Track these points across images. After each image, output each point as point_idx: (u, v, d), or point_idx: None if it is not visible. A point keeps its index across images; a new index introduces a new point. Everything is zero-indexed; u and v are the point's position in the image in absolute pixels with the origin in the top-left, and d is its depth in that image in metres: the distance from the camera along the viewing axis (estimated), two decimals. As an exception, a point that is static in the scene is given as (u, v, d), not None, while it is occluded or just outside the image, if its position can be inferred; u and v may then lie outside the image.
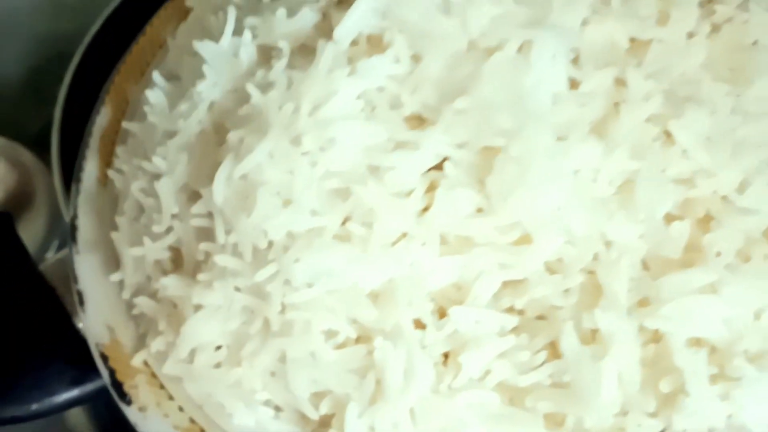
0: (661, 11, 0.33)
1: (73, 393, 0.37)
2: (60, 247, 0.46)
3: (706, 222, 0.31)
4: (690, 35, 0.34)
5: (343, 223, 0.30)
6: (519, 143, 0.30)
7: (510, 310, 0.31)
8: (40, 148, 0.54)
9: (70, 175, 0.48)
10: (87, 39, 0.54)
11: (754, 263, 0.30)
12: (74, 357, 0.37)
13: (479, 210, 0.31)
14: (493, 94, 0.30)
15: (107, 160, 0.37)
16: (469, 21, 0.31)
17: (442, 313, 0.31)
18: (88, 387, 0.37)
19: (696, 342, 0.29)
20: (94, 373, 0.36)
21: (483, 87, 0.30)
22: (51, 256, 0.50)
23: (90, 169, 0.37)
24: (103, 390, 0.37)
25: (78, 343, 0.37)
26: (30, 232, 0.51)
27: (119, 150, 0.36)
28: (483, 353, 0.29)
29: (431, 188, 0.30)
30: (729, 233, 0.30)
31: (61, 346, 0.37)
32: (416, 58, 0.32)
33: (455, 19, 0.31)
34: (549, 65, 0.31)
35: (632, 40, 0.33)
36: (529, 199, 0.30)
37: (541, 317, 0.31)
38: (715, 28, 0.34)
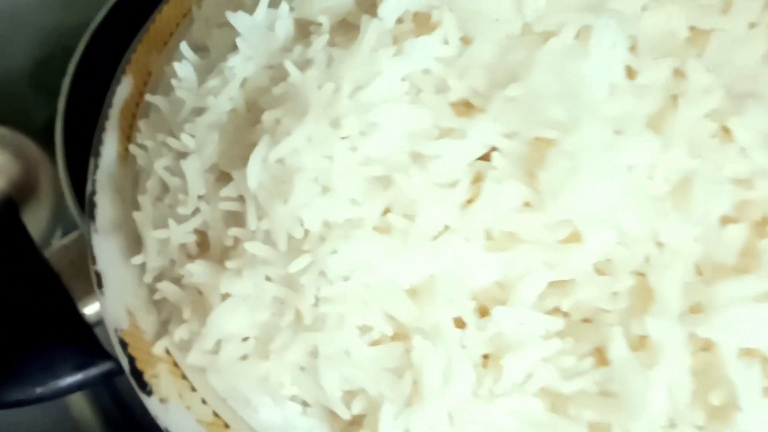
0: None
1: (77, 377, 0.36)
2: (64, 236, 0.45)
3: (763, 226, 0.29)
4: (752, 26, 0.31)
5: (384, 213, 0.28)
6: (572, 136, 0.28)
7: (555, 311, 0.29)
8: (45, 139, 0.53)
9: (74, 166, 0.48)
10: (90, 30, 0.53)
11: None
12: (78, 342, 0.36)
13: (527, 205, 0.29)
14: (547, 82, 0.28)
15: (128, 134, 0.35)
16: (524, 3, 0.29)
17: (483, 313, 0.29)
18: (92, 371, 0.36)
19: (748, 353, 0.28)
20: (99, 357, 0.35)
21: (536, 75, 0.28)
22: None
23: (110, 142, 0.35)
24: (106, 374, 0.37)
25: (82, 328, 0.36)
26: (34, 222, 0.51)
27: (141, 124, 0.34)
28: (526, 357, 0.28)
29: (477, 180, 0.29)
30: None
31: (66, 332, 0.36)
32: (466, 41, 0.30)
33: (507, 1, 0.29)
34: (607, 54, 0.29)
35: (692, 29, 0.31)
36: (581, 195, 0.28)
37: (587, 320, 0.29)
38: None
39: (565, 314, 0.29)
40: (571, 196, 0.28)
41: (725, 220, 0.29)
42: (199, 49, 0.33)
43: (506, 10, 0.29)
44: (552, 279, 0.29)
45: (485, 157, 0.29)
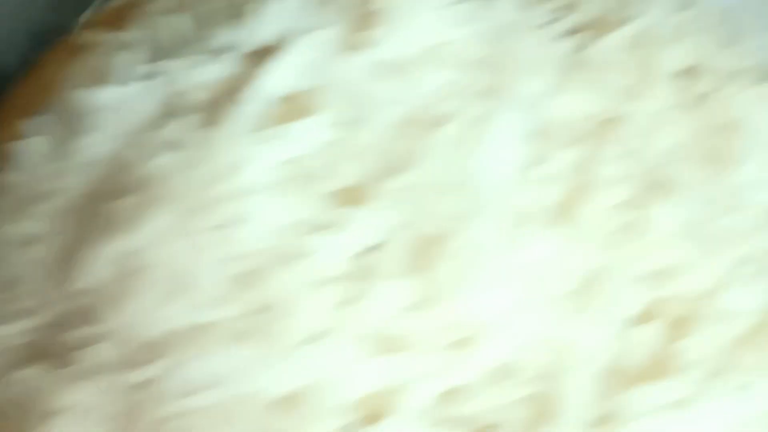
0: (636, 82, 0.30)
1: None
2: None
3: (680, 324, 0.27)
4: (667, 110, 0.30)
5: (248, 315, 0.25)
6: (468, 231, 0.26)
7: (451, 421, 0.26)
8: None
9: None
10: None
11: (732, 375, 0.27)
12: None
13: (416, 306, 0.26)
14: (440, 172, 0.26)
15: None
16: (415, 86, 0.27)
17: (371, 421, 0.26)
18: None
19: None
20: None
21: (428, 163, 0.26)
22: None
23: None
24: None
25: None
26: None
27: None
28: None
29: (360, 277, 0.26)
30: (705, 339, 0.27)
31: None
32: (349, 125, 0.27)
33: (399, 82, 0.27)
34: (506, 143, 0.27)
35: (603, 114, 0.30)
36: (476, 298, 0.26)
37: (489, 428, 0.26)
38: (696, 103, 0.31)
39: (461, 424, 0.26)
40: (463, 298, 0.26)
41: (638, 320, 0.27)
42: (57, 122, 0.30)
43: (395, 93, 0.27)
44: (444, 386, 0.26)
45: (369, 253, 0.26)
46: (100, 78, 0.28)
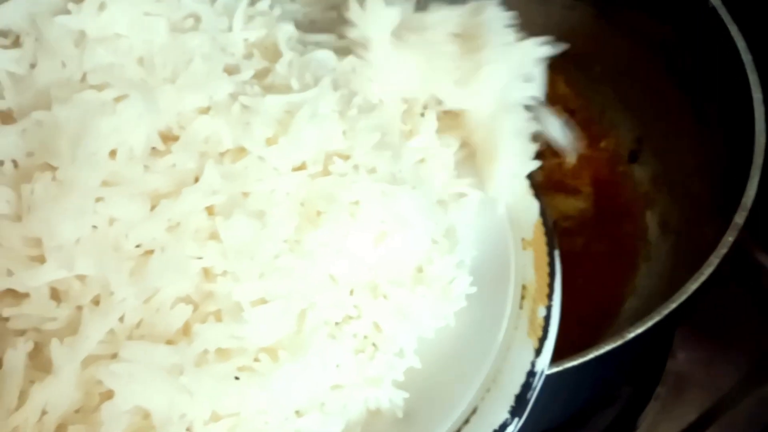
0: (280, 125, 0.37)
1: None
2: None
3: (214, 314, 0.34)
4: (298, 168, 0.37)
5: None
6: (69, 171, 0.32)
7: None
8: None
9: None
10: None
11: (222, 367, 0.33)
12: None
13: (16, 216, 0.32)
14: (73, 121, 0.33)
15: None
16: (84, 58, 0.34)
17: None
18: None
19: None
20: None
21: (66, 111, 0.33)
22: None
23: None
24: None
25: None
26: None
27: None
28: None
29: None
30: (221, 329, 0.33)
31: None
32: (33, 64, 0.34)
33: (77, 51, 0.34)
34: (132, 121, 0.34)
35: (230, 147, 0.37)
36: (52, 221, 0.32)
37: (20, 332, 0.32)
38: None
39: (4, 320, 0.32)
40: (43, 218, 0.31)
41: (181, 300, 0.33)
42: None
43: (72, 57, 0.34)
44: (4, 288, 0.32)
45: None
46: None
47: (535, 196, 0.44)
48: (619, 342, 0.45)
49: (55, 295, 0.32)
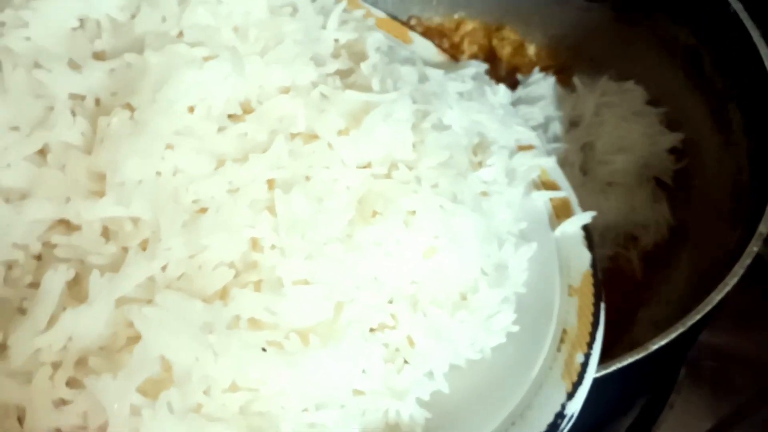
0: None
1: None
2: None
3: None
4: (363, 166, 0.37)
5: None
6: (146, 113, 0.32)
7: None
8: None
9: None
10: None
11: (252, 336, 0.32)
12: None
13: (87, 149, 0.33)
14: (161, 68, 0.33)
15: None
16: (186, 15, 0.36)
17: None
18: None
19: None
20: None
21: (157, 57, 0.33)
22: None
23: None
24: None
25: None
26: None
27: None
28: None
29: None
30: (258, 299, 0.33)
31: None
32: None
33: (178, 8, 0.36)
34: (216, 81, 0.34)
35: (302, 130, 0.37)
36: (121, 157, 0.32)
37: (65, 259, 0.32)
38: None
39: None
40: (113, 154, 0.32)
41: (224, 264, 0.33)
42: None
43: (173, 13, 0.35)
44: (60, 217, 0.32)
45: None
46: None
47: (589, 247, 0.45)
48: (643, 353, 0.44)
49: (105, 233, 0.32)
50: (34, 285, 0.31)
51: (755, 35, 0.55)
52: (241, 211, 0.33)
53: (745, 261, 0.47)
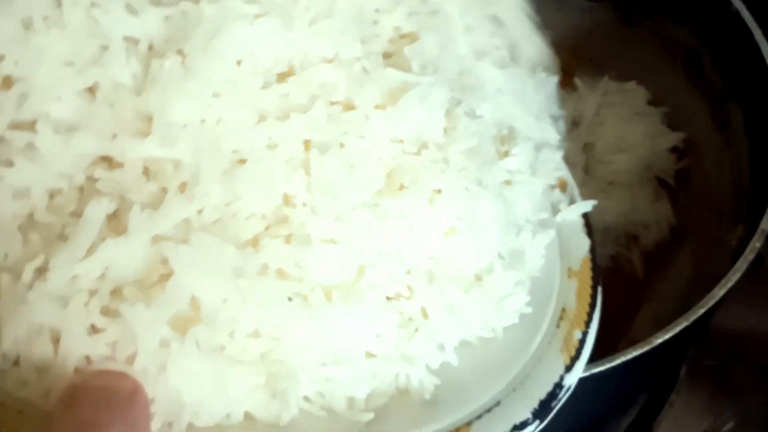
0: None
1: None
2: None
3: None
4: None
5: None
6: (198, 59, 0.34)
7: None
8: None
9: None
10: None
11: (279, 284, 0.34)
12: None
13: (137, 90, 0.34)
14: (215, 19, 0.34)
15: None
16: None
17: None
18: None
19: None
20: None
21: (211, 9, 0.34)
22: None
23: None
24: None
25: None
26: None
27: None
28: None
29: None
30: (288, 251, 0.34)
31: None
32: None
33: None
34: (265, 37, 0.36)
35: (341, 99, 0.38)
36: (170, 99, 0.33)
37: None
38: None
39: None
40: (162, 95, 0.33)
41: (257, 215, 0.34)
42: None
43: None
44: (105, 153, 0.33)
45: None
46: None
47: (588, 234, 0.47)
48: (647, 347, 0.44)
49: (146, 172, 0.33)
50: (76, 214, 0.32)
51: (757, 35, 0.55)
52: (277, 166, 0.34)
53: (748, 257, 0.47)
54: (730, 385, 0.62)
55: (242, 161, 0.34)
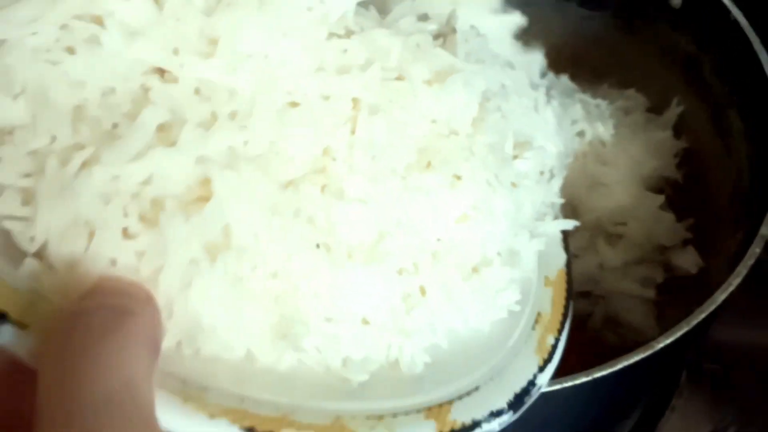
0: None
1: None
2: None
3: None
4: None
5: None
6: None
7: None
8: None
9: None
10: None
11: (309, 231, 0.34)
12: None
13: (207, 10, 0.34)
14: None
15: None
16: None
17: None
18: None
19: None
20: None
21: None
22: None
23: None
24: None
25: None
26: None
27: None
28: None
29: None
30: (322, 200, 0.35)
31: None
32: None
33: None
34: None
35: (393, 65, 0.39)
36: (240, 24, 0.33)
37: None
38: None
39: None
40: (234, 20, 0.33)
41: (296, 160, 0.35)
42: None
43: None
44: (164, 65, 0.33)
45: None
46: None
47: (565, 249, 0.49)
48: (648, 352, 0.45)
49: (197, 93, 0.33)
50: (129, 116, 0.31)
51: (755, 42, 0.56)
52: (326, 117, 0.35)
53: (748, 262, 0.48)
54: (731, 390, 0.63)
55: (294, 104, 0.34)
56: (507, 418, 0.36)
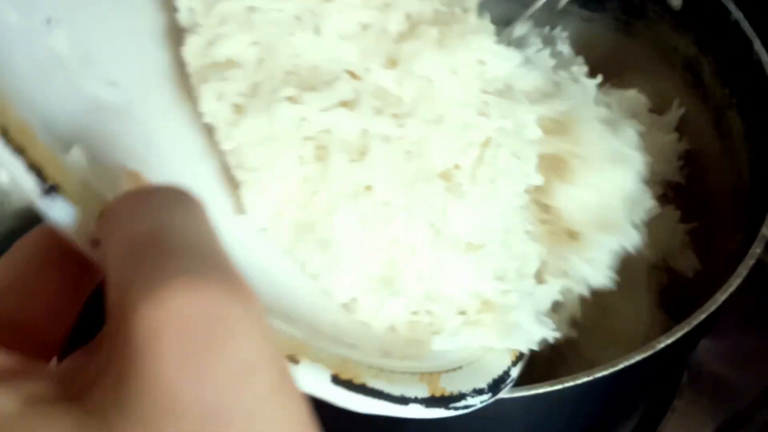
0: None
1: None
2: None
3: None
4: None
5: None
6: None
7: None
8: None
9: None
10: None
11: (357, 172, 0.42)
12: None
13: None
14: None
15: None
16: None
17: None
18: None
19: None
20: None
21: None
22: None
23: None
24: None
25: None
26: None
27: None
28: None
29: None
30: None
31: None
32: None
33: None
34: None
35: None
36: (415, 55, 0.44)
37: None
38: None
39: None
40: None
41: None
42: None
43: None
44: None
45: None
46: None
47: None
48: (649, 352, 0.45)
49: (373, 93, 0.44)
50: (326, 84, 0.42)
51: (756, 44, 0.56)
52: (462, 138, 0.44)
53: (748, 262, 0.48)
54: (732, 391, 0.62)
55: (441, 121, 0.43)
56: (487, 398, 0.39)
